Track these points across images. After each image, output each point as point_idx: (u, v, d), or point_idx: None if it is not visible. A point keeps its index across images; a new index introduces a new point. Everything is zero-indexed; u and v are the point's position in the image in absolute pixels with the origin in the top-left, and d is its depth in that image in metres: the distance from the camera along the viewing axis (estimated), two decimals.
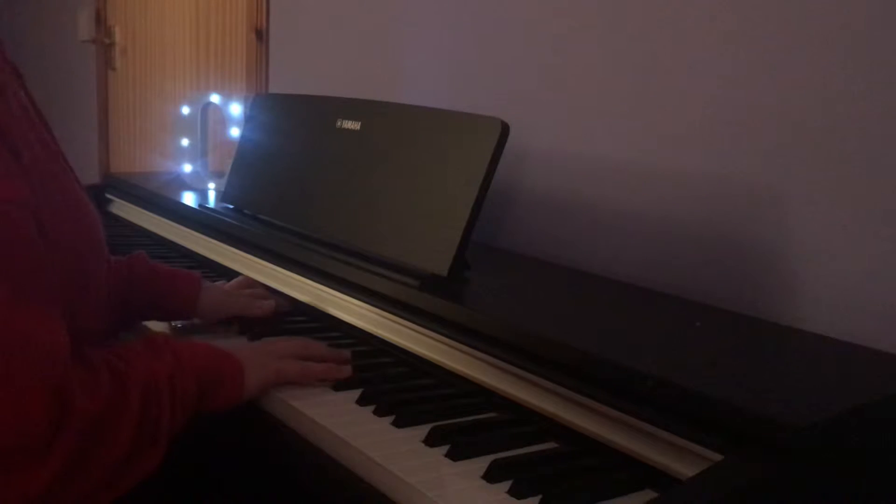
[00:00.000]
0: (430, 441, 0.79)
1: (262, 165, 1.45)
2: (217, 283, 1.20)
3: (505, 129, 1.04)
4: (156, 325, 1.13)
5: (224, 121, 1.77)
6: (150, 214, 1.67)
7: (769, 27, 1.08)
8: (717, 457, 0.69)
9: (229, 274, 1.36)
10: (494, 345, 0.90)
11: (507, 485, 0.71)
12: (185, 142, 1.81)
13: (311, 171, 1.32)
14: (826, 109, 1.03)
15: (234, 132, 1.72)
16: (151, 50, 2.88)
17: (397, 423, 0.83)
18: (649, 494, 0.72)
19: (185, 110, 1.81)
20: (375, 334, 1.06)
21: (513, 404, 0.88)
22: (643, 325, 0.99)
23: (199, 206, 1.55)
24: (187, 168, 1.81)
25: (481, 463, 0.75)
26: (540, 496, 0.69)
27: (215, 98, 1.77)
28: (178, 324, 1.13)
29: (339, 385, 0.92)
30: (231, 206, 1.50)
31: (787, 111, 1.07)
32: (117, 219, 1.80)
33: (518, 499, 0.70)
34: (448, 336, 0.96)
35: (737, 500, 0.63)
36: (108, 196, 1.86)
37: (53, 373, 0.72)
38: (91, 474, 0.75)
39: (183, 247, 1.52)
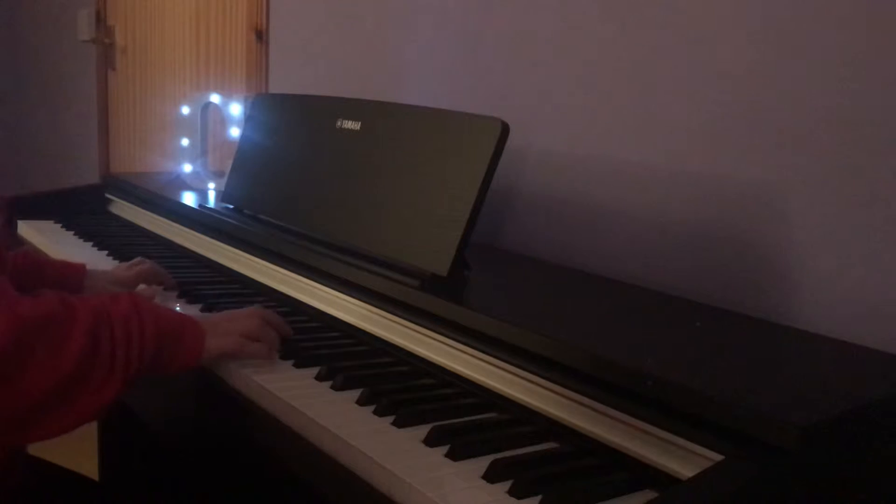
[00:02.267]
0: (430, 441, 0.79)
1: (262, 165, 1.45)
2: (108, 269, 1.28)
3: (505, 129, 1.04)
4: None
5: (224, 121, 1.77)
6: (150, 214, 1.67)
7: (770, 28, 1.08)
8: (717, 457, 0.69)
9: (230, 274, 1.36)
10: (494, 345, 0.90)
11: (507, 485, 0.71)
12: (185, 142, 1.81)
13: (311, 172, 1.32)
14: (826, 110, 1.03)
15: (234, 132, 1.73)
16: (151, 50, 2.88)
17: (397, 423, 0.83)
18: (649, 494, 0.72)
19: (185, 110, 1.81)
20: (375, 334, 1.06)
21: (513, 404, 0.88)
22: (643, 325, 0.99)
23: (199, 206, 1.55)
24: (187, 168, 1.81)
25: (481, 463, 0.75)
26: (540, 496, 0.69)
27: (215, 98, 1.77)
28: None
29: (340, 385, 0.92)
30: (231, 206, 1.50)
31: (788, 112, 1.07)
32: (117, 219, 1.80)
33: (518, 499, 0.70)
34: (448, 336, 0.96)
35: (737, 500, 0.63)
36: (108, 196, 1.86)
37: None
38: (32, 376, 0.76)
39: (183, 247, 1.53)
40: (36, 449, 1.06)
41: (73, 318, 0.81)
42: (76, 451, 1.35)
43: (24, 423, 0.79)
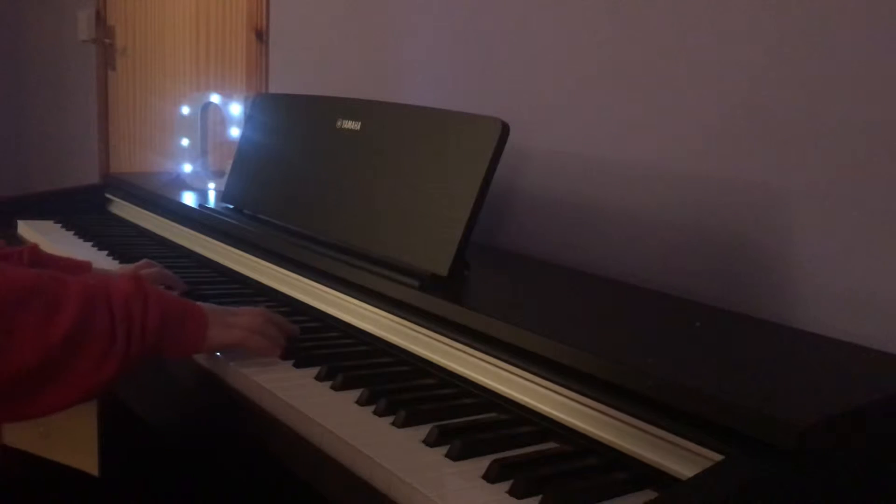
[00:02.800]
0: (430, 441, 0.79)
1: (262, 165, 1.45)
2: (113, 269, 1.26)
3: (505, 129, 1.04)
4: None
5: (224, 121, 1.77)
6: (150, 214, 1.67)
7: (771, 29, 1.08)
8: (717, 457, 0.69)
9: (230, 274, 1.36)
10: (494, 345, 0.90)
11: (507, 485, 0.71)
12: (185, 142, 1.81)
13: (311, 172, 1.32)
14: (827, 110, 1.03)
15: (234, 132, 1.73)
16: (151, 50, 2.88)
17: (397, 423, 0.83)
18: (649, 494, 0.72)
19: (185, 110, 1.81)
20: (375, 334, 1.06)
21: (513, 404, 0.88)
22: (643, 325, 0.99)
23: (199, 206, 1.55)
24: (187, 168, 1.81)
25: (481, 463, 0.75)
26: (540, 496, 0.69)
27: (215, 98, 1.77)
28: None
29: (340, 385, 0.92)
30: (231, 206, 1.50)
31: (788, 112, 1.07)
32: (117, 219, 1.80)
33: (518, 499, 0.70)
34: (448, 336, 0.96)
35: (737, 500, 0.63)
36: (108, 196, 1.86)
37: None
38: (19, 346, 0.76)
39: (183, 247, 1.53)
40: (37, 447, 1.06)
41: (63, 290, 0.80)
42: (76, 451, 1.35)
43: (15, 396, 0.78)
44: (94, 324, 0.82)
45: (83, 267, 1.20)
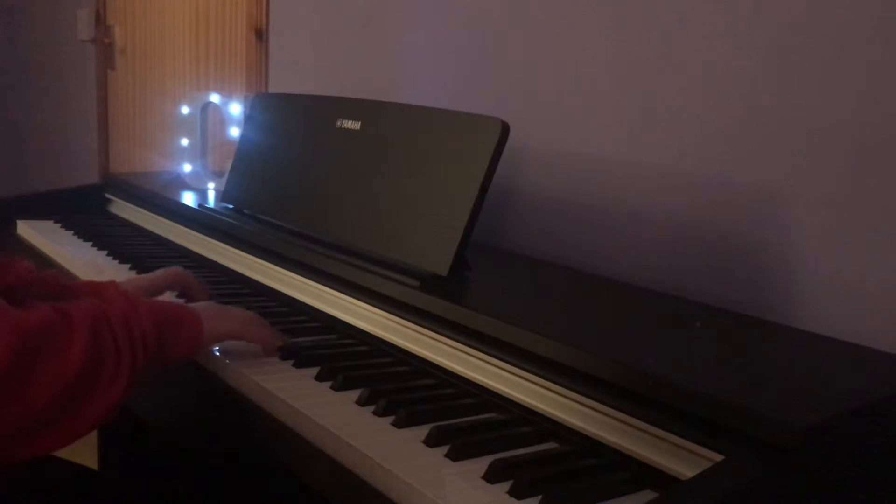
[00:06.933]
0: (430, 441, 0.79)
1: (262, 165, 1.45)
2: (137, 279, 1.22)
3: (505, 129, 1.04)
4: None
5: (224, 121, 1.77)
6: (150, 214, 1.67)
7: (771, 28, 1.08)
8: (717, 457, 0.69)
9: (230, 274, 1.36)
10: (494, 345, 0.90)
11: (507, 485, 0.71)
12: (185, 142, 1.81)
13: (310, 171, 1.32)
14: (826, 110, 1.03)
15: (234, 132, 1.73)
16: (151, 50, 2.88)
17: (397, 424, 0.83)
18: (649, 494, 0.72)
19: (185, 110, 1.81)
20: (375, 334, 1.06)
21: (513, 404, 0.88)
22: (643, 325, 0.99)
23: (199, 206, 1.55)
24: (187, 168, 1.81)
25: (481, 463, 0.75)
26: (540, 496, 0.69)
27: (215, 98, 1.77)
28: None
29: (340, 385, 0.92)
30: (231, 206, 1.50)
31: (788, 112, 1.07)
32: (117, 219, 1.80)
33: (518, 499, 0.70)
34: (448, 336, 0.96)
35: (737, 499, 0.63)
36: (108, 196, 1.86)
37: None
38: (38, 388, 0.76)
39: (183, 247, 1.52)
40: None
41: (70, 324, 0.81)
42: (76, 448, 1.35)
43: (37, 434, 0.79)
44: (103, 348, 0.83)
45: (108, 289, 1.13)
